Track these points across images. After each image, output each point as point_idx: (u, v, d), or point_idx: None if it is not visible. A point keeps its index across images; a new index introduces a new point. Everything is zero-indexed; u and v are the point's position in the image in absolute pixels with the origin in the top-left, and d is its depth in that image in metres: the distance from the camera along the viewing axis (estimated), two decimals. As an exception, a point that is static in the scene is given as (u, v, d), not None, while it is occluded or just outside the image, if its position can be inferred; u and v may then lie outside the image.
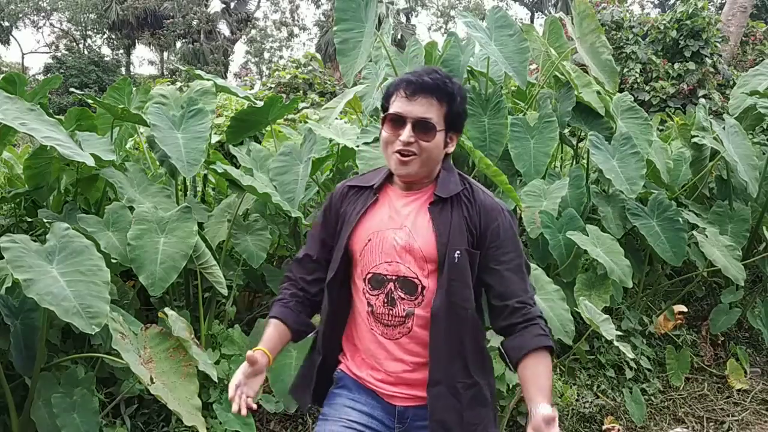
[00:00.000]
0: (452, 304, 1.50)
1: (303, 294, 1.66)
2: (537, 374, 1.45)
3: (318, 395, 1.69)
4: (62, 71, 24.55)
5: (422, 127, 1.49)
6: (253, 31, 33.22)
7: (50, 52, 32.11)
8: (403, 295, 1.52)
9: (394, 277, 1.53)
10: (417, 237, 1.52)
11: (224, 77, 27.08)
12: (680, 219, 3.70)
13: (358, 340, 1.61)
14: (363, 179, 1.66)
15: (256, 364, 1.49)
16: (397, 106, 1.51)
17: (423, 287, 1.52)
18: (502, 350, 1.54)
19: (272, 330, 1.60)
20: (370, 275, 1.55)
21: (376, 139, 3.18)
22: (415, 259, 1.52)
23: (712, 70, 8.31)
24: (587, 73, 4.11)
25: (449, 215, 1.53)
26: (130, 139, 4.11)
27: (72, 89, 4.69)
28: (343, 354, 1.67)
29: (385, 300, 1.53)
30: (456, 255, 1.50)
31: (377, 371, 1.58)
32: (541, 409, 1.36)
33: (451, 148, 1.58)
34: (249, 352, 1.48)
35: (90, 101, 3.58)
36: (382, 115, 1.57)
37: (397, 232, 1.54)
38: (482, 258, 1.53)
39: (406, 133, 1.49)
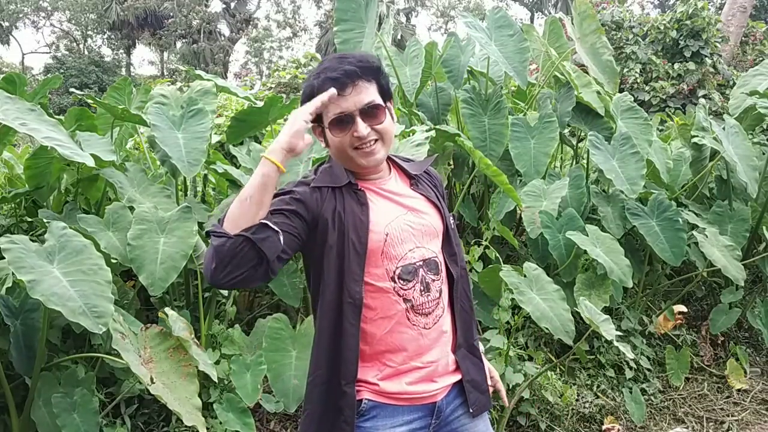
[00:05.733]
0: (460, 268, 1.61)
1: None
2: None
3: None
4: (62, 71, 24.58)
5: (371, 112, 1.44)
6: (254, 31, 33.23)
7: (50, 53, 32.16)
8: (433, 276, 1.51)
9: (420, 262, 1.50)
10: (424, 216, 1.54)
11: (224, 77, 27.08)
12: (680, 219, 3.69)
13: (389, 352, 1.48)
14: (324, 180, 1.49)
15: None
16: (335, 108, 1.42)
17: (440, 262, 1.55)
18: None
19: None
20: (399, 270, 1.47)
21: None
22: (431, 237, 1.54)
23: (711, 70, 8.32)
24: (587, 73, 4.10)
25: (428, 188, 1.61)
26: (130, 139, 4.12)
27: (72, 89, 4.69)
28: (360, 381, 1.48)
29: (422, 288, 1.48)
30: (451, 221, 1.61)
31: (418, 371, 1.49)
32: None
33: (394, 117, 1.54)
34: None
35: (90, 101, 3.58)
36: (320, 124, 1.46)
37: (405, 217, 1.51)
38: None
39: (360, 126, 1.42)
